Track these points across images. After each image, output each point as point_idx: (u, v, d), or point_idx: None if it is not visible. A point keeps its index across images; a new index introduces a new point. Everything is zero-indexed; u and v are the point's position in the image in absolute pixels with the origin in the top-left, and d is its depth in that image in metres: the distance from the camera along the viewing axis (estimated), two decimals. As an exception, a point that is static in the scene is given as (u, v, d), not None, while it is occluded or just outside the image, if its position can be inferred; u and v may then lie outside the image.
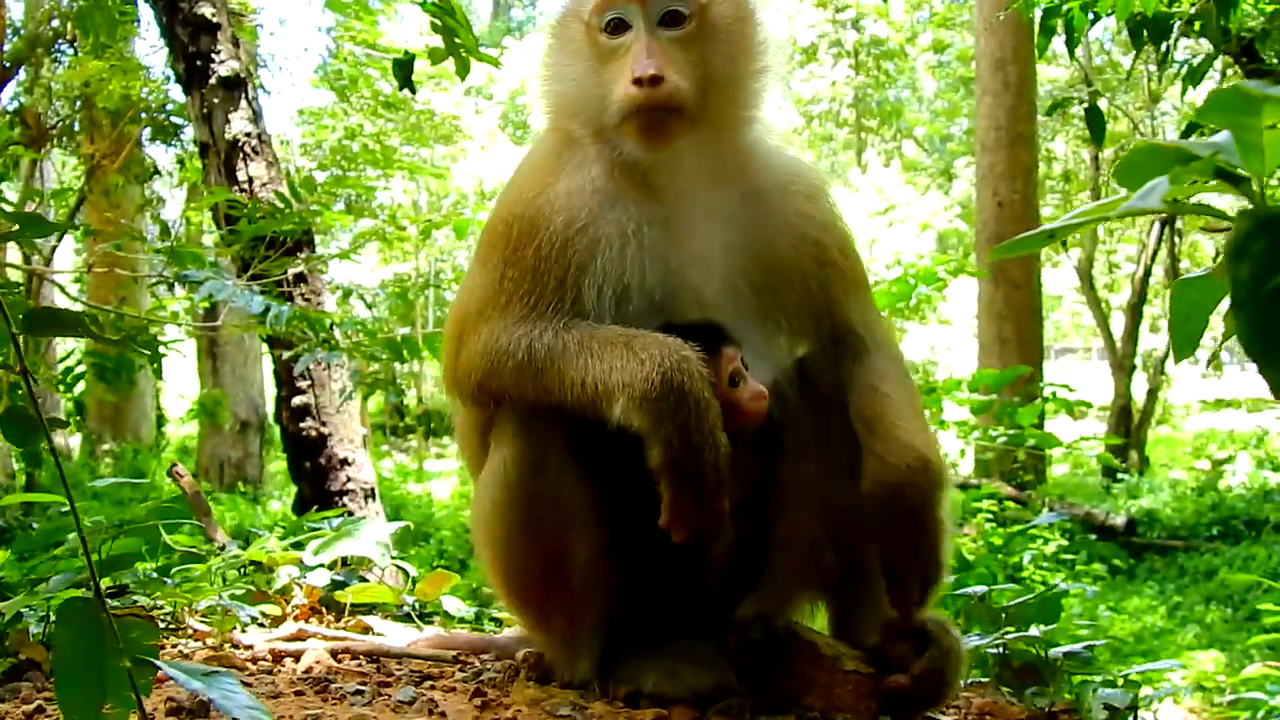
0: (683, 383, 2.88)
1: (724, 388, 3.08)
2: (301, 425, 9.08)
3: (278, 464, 24.12)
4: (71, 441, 22.27)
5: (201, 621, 3.97)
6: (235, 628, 3.91)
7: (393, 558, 4.80)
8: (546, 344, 3.03)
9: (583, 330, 3.04)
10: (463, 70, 5.88)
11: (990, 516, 13.24)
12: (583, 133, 3.31)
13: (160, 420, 25.89)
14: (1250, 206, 1.69)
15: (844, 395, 3.28)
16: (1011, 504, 15.38)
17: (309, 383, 9.04)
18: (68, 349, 15.84)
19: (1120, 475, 24.37)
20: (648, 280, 3.15)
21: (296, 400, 9.09)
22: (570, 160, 3.29)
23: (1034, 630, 3.96)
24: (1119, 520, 20.31)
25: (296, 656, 3.56)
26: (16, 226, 2.35)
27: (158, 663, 1.94)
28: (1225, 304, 1.74)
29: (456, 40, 5.64)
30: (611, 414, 2.92)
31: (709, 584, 3.24)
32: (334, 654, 3.59)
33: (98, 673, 1.93)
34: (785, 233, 3.36)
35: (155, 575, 4.14)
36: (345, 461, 9.07)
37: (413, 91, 6.33)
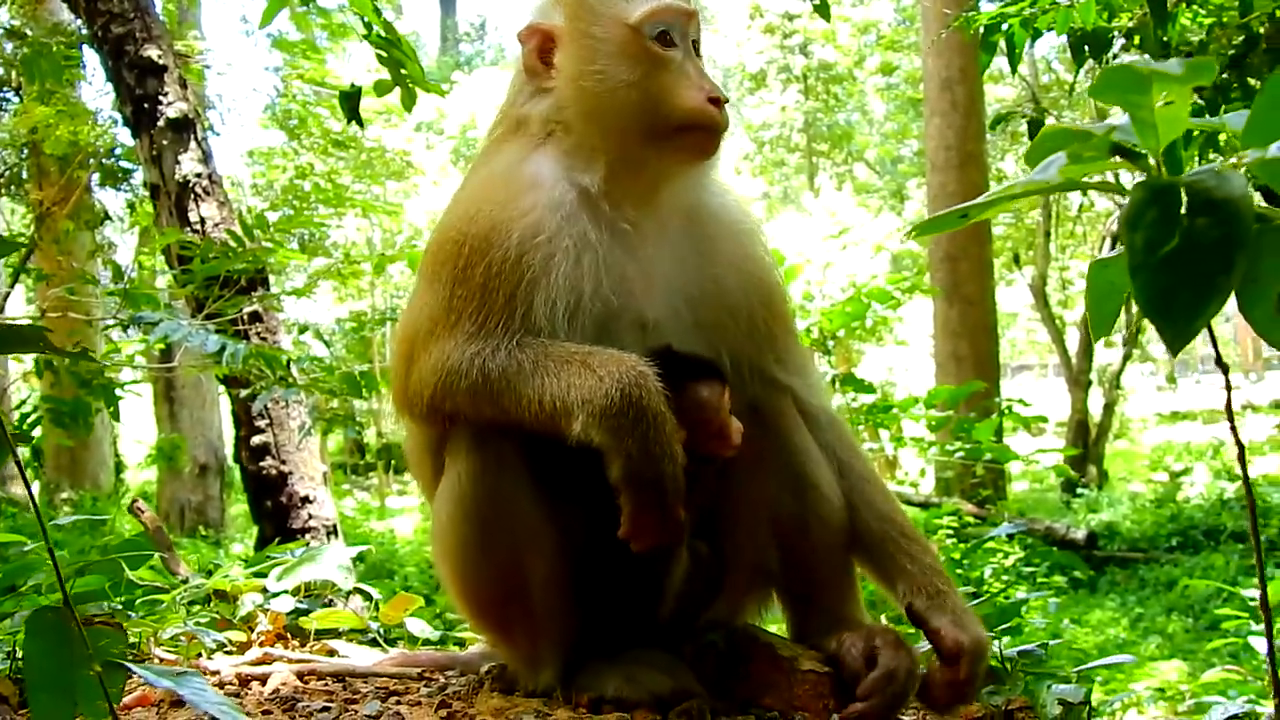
0: (641, 397, 2.91)
1: (725, 415, 3.20)
2: (261, 464, 9.11)
3: (239, 507, 24.02)
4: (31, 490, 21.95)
5: (167, 650, 3.99)
6: (201, 654, 3.93)
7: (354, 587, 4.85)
8: (500, 364, 3.03)
9: (536, 348, 3.04)
10: (409, 101, 5.92)
11: (951, 532, 13.33)
12: (611, 133, 3.27)
13: (119, 467, 25.64)
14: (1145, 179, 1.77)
15: (782, 421, 3.44)
16: (973, 520, 15.49)
17: (267, 421, 9.07)
18: (22, 397, 15.71)
19: (1079, 489, 24.54)
20: (601, 292, 3.17)
21: (256, 439, 9.12)
22: (536, 173, 3.27)
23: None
24: (1079, 534, 20.39)
25: (263, 679, 3.59)
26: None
27: (128, 664, 1.97)
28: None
29: (402, 71, 5.70)
30: (571, 431, 2.94)
31: (665, 592, 3.28)
32: (300, 676, 3.62)
33: (68, 680, 1.94)
34: (732, 270, 3.44)
35: (120, 608, 4.14)
36: (306, 499, 9.09)
37: (360, 124, 6.38)
